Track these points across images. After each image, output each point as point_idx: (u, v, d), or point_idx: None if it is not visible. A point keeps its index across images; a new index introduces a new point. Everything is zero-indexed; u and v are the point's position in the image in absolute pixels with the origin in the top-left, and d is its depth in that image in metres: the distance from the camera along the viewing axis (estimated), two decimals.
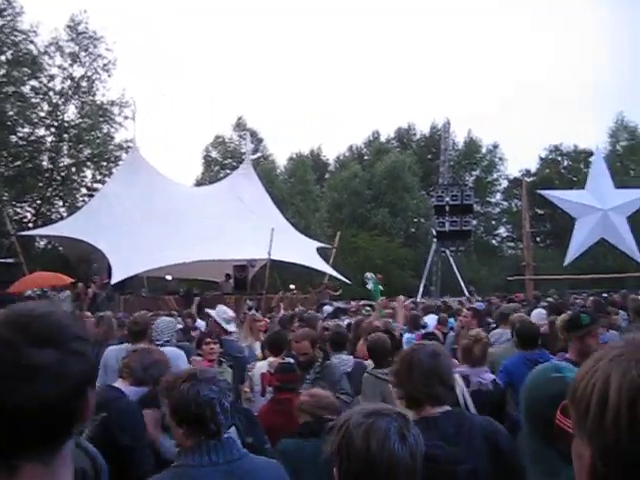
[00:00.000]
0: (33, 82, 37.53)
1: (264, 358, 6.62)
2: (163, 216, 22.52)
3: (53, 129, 38.91)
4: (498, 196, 63.93)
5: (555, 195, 23.07)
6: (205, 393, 2.72)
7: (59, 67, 38.68)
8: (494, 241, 64.56)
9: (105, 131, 39.62)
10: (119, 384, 4.09)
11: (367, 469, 1.87)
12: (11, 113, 36.17)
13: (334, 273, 25.65)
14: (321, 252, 27.45)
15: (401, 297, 10.82)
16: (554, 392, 2.63)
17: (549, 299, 17.87)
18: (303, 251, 25.38)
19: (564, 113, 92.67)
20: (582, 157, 57.89)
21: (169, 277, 24.01)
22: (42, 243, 38.59)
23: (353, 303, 20.70)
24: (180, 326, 9.13)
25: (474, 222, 47.11)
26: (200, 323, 10.54)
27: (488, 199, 63.18)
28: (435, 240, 42.89)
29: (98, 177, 40.40)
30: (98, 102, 39.58)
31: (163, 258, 20.51)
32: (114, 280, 19.64)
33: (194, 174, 57.76)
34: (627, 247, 20.88)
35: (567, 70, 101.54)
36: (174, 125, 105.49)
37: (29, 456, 1.09)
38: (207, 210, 24.43)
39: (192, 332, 9.16)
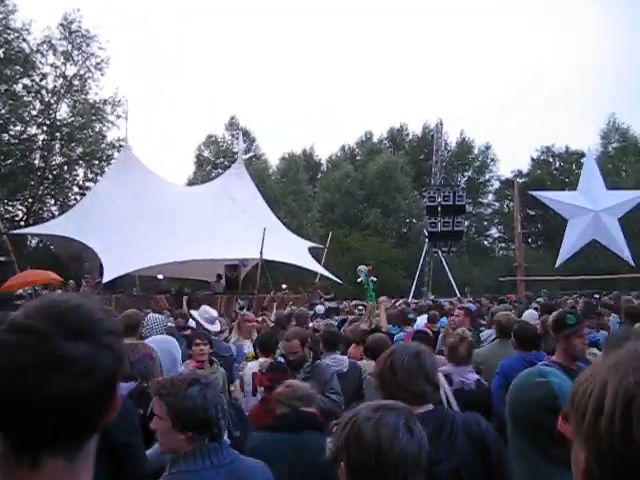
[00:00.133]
0: (25, 80, 37.53)
1: (257, 358, 6.61)
2: (155, 215, 22.47)
3: (45, 127, 38.83)
4: (490, 197, 64.15)
5: (547, 196, 23.13)
6: (211, 397, 2.73)
7: (51, 65, 38.73)
8: (486, 242, 64.70)
9: (97, 130, 39.57)
10: None
11: (377, 462, 1.87)
12: (3, 111, 36.12)
13: (326, 273, 25.64)
14: (313, 252, 27.43)
15: (383, 298, 10.76)
16: (538, 396, 2.66)
17: (539, 299, 17.94)
18: (295, 251, 25.36)
19: (556, 114, 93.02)
20: (574, 158, 58.14)
21: (160, 276, 23.95)
22: (34, 242, 38.54)
23: (345, 303, 20.73)
24: (171, 324, 9.11)
25: (466, 223, 47.18)
26: (192, 323, 10.52)
27: (480, 200, 63.31)
28: (427, 240, 42.96)
29: (90, 176, 40.39)
30: (90, 101, 39.56)
31: (155, 257, 20.47)
32: (105, 279, 19.59)
33: (186, 173, 57.88)
34: (618, 248, 20.97)
35: (560, 71, 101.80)
36: (167, 124, 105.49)
37: (54, 451, 1.09)
38: (199, 209, 24.39)
39: (184, 331, 9.14)
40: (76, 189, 40.87)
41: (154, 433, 2.89)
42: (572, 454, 1.03)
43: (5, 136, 36.91)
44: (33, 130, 38.77)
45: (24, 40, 36.63)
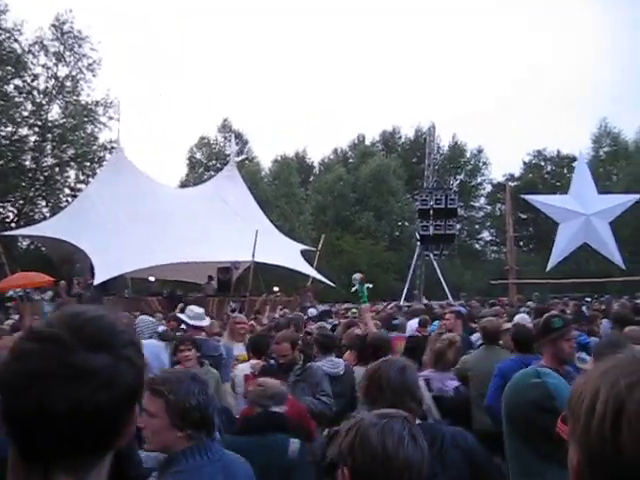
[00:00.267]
0: (17, 81, 37.29)
1: (249, 360, 6.60)
2: (147, 217, 22.42)
3: (36, 129, 38.60)
4: (482, 200, 64.37)
5: (538, 200, 23.22)
6: (210, 394, 2.73)
7: (43, 66, 38.52)
8: (478, 245, 64.85)
9: (89, 131, 39.36)
10: None
11: (383, 469, 1.88)
12: None
13: (318, 276, 25.62)
14: (305, 255, 27.42)
15: (367, 306, 10.78)
16: (534, 397, 2.66)
17: (529, 303, 17.98)
18: (287, 253, 25.34)
19: (555, 115, 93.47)
20: (565, 162, 58.42)
21: (152, 278, 23.90)
22: (25, 243, 38.35)
23: (337, 306, 20.72)
24: (163, 327, 9.09)
25: (458, 226, 47.13)
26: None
27: (472, 203, 63.50)
28: (419, 243, 42.96)
29: (81, 177, 40.17)
30: (82, 102, 39.36)
31: (146, 259, 20.42)
32: (97, 281, 19.52)
33: (178, 175, 57.70)
34: (609, 252, 21.06)
35: (552, 76, 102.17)
36: (159, 126, 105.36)
37: (66, 465, 1.08)
38: (191, 212, 24.33)
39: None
40: (67, 191, 40.70)
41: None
42: (568, 454, 1.04)
43: None
44: (24, 131, 38.55)
45: (15, 40, 36.48)
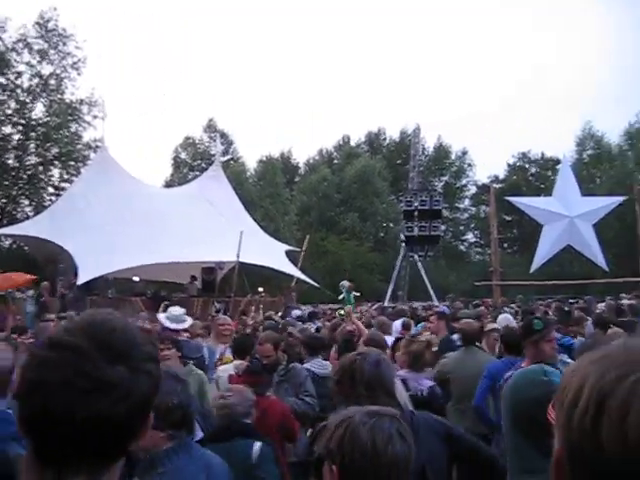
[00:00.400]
0: (0, 79, 36.99)
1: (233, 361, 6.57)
2: (131, 217, 22.31)
3: (20, 127, 38.35)
4: (466, 202, 64.73)
5: (522, 202, 23.25)
6: (191, 393, 2.72)
7: (27, 64, 38.19)
8: (462, 246, 65.14)
9: (73, 130, 39.11)
10: None
11: (372, 465, 1.90)
12: None
13: (303, 276, 25.60)
14: (290, 255, 27.39)
15: (349, 307, 10.90)
16: (537, 394, 2.68)
17: (512, 305, 18.08)
18: (272, 254, 25.31)
19: (533, 121, 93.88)
20: (549, 165, 58.82)
21: (136, 278, 23.77)
22: (7, 243, 38.06)
23: (321, 306, 20.71)
24: (148, 326, 9.03)
25: (442, 227, 47.33)
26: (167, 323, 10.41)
27: (457, 205, 63.83)
28: (404, 245, 43.05)
29: (65, 176, 39.87)
30: (67, 100, 39.10)
31: (130, 259, 20.30)
32: (80, 281, 19.37)
33: (163, 175, 57.51)
34: (592, 254, 21.12)
35: (539, 79, 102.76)
36: (144, 125, 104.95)
37: (79, 468, 1.08)
38: (176, 212, 24.23)
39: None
40: (51, 190, 40.40)
41: None
42: (553, 442, 1.02)
43: None
44: (8, 129, 38.29)
45: None
